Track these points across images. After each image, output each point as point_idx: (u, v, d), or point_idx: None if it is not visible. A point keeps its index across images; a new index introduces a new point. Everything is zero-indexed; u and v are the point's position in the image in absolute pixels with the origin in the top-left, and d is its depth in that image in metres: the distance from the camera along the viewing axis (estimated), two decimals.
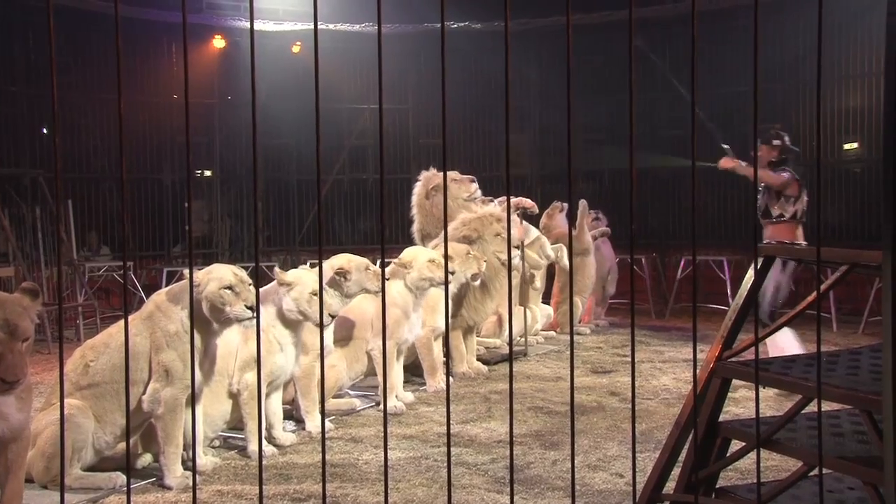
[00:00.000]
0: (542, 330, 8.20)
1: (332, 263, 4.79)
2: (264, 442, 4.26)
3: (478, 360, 6.82)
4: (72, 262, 8.87)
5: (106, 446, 3.92)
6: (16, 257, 8.58)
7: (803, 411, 1.90)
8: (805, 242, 5.71)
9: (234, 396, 4.33)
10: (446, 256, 1.92)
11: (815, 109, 10.27)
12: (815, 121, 10.13)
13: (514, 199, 7.24)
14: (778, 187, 5.72)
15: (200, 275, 3.89)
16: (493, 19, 10.65)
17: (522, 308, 7.48)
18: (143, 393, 3.81)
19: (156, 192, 11.49)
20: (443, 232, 6.23)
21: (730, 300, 9.09)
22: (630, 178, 1.63)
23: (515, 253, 7.02)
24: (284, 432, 4.57)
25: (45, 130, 11.19)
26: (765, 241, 5.66)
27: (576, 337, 8.19)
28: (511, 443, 2.04)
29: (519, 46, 10.89)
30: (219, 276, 3.86)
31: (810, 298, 1.91)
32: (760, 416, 1.84)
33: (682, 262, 9.86)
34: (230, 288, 3.82)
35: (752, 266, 2.12)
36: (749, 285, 2.13)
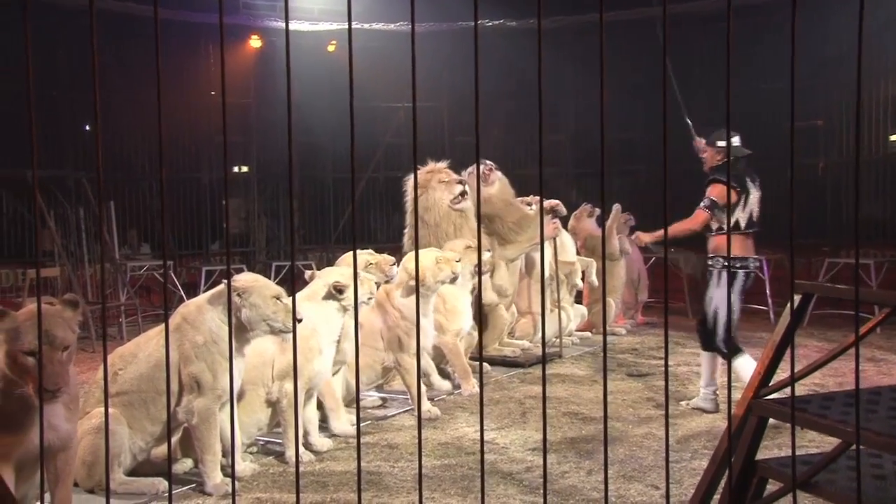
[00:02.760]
0: (577, 330, 8.18)
1: (327, 280, 4.60)
2: (301, 448, 4.34)
3: (512, 362, 6.84)
4: (114, 261, 9.06)
5: (140, 451, 3.98)
6: (61, 257, 8.79)
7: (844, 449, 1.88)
8: (754, 255, 5.18)
9: (271, 405, 4.40)
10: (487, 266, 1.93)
11: (856, 106, 10.04)
12: (855, 120, 9.91)
13: (548, 202, 7.21)
14: (700, 229, 5.19)
15: (245, 282, 3.91)
16: (528, 17, 10.60)
17: (556, 309, 7.47)
18: (177, 404, 3.87)
19: (194, 190, 11.68)
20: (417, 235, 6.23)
21: (769, 300, 8.99)
22: (664, 178, 1.62)
23: (548, 253, 7.02)
24: (321, 438, 4.63)
25: (87, 128, 11.42)
26: (708, 255, 5.27)
27: (611, 338, 8.15)
28: (545, 462, 2.05)
29: (554, 44, 10.84)
30: (265, 284, 3.92)
31: (849, 342, 1.89)
32: (802, 454, 1.82)
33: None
34: (278, 298, 3.87)
35: (789, 304, 2.09)
36: (786, 322, 2.10)
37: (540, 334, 7.57)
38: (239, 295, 3.84)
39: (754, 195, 5.21)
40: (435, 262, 5.49)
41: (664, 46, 1.74)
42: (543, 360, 1.84)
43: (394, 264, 5.27)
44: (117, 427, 3.86)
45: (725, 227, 5.08)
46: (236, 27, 11.11)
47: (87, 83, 9.83)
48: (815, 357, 4.69)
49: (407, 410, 5.48)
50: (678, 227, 5.21)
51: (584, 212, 8.65)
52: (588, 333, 8.30)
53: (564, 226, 8.07)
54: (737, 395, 3.28)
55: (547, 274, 7.39)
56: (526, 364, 6.83)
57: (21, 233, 10.31)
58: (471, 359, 6.67)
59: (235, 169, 12.46)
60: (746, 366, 4.90)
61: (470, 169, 7.11)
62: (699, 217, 5.18)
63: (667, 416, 1.71)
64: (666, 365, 1.75)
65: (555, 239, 7.29)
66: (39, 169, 9.41)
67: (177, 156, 11.43)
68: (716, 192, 5.16)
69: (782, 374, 2.35)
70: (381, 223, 12.50)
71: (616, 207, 8.58)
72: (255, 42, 11.54)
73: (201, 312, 3.91)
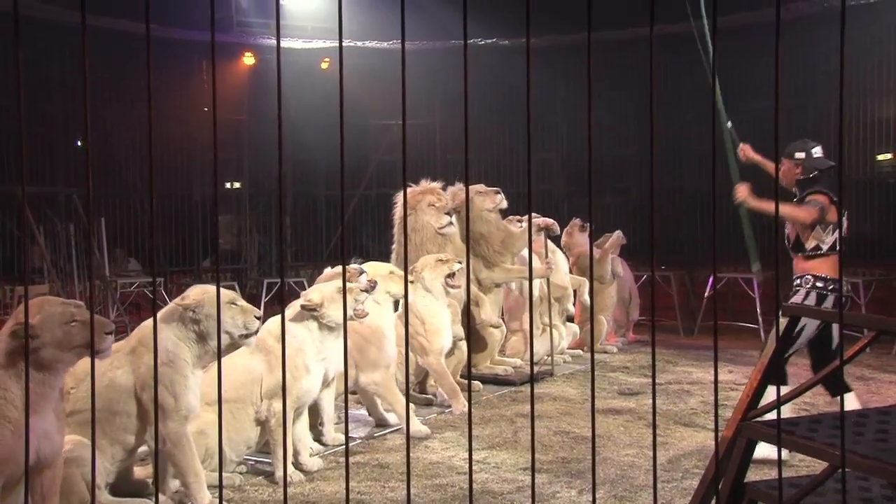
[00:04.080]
0: (569, 348, 8.17)
1: (306, 298, 4.55)
2: (291, 468, 4.31)
3: (503, 380, 6.83)
4: (104, 278, 9.03)
5: (107, 472, 3.83)
6: (50, 273, 8.76)
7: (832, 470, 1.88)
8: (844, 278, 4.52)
9: (260, 423, 4.37)
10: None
11: (840, 124, 10.11)
12: (838, 136, 9.99)
13: (536, 219, 7.22)
14: (810, 223, 4.56)
15: (195, 296, 3.81)
16: (520, 36, 10.67)
17: (547, 328, 7.46)
18: (142, 430, 3.78)
19: (185, 207, 11.66)
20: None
21: (759, 318, 9.01)
22: (650, 195, 1.62)
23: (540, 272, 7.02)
24: (311, 458, 4.60)
25: (79, 143, 11.39)
26: (795, 277, 4.67)
27: (602, 356, 8.14)
28: (533, 484, 2.04)
29: (545, 62, 10.89)
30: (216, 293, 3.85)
31: (834, 365, 1.89)
32: (791, 476, 1.82)
33: (711, 279, 9.76)
34: (233, 303, 3.82)
35: (775, 326, 2.09)
36: (773, 344, 2.11)
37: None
38: (193, 310, 3.76)
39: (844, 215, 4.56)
40: (436, 261, 5.83)
41: (651, 68, 1.75)
42: (532, 379, 1.83)
43: (362, 274, 5.11)
44: (85, 452, 3.57)
45: (825, 247, 4.53)
46: (230, 44, 11.14)
47: (80, 99, 9.83)
48: (804, 376, 4.69)
49: (395, 430, 5.45)
50: (790, 208, 4.58)
51: (574, 226, 8.63)
52: (580, 351, 8.29)
53: (556, 241, 8.09)
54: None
55: (537, 294, 7.41)
56: (517, 382, 6.82)
57: (9, 249, 10.26)
58: (462, 377, 6.66)
59: (227, 185, 12.46)
60: (852, 405, 4.25)
61: (458, 185, 7.14)
62: (811, 211, 4.51)
63: (654, 435, 1.71)
64: (654, 383, 1.74)
65: (546, 256, 7.29)
66: (29, 185, 9.39)
67: (168, 172, 11.41)
68: (823, 199, 4.54)
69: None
70: (372, 240, 12.50)
71: (617, 234, 8.58)
72: (248, 59, 11.58)
73: (158, 332, 3.79)
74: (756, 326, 8.94)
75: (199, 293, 3.83)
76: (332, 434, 5.05)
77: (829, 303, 4.49)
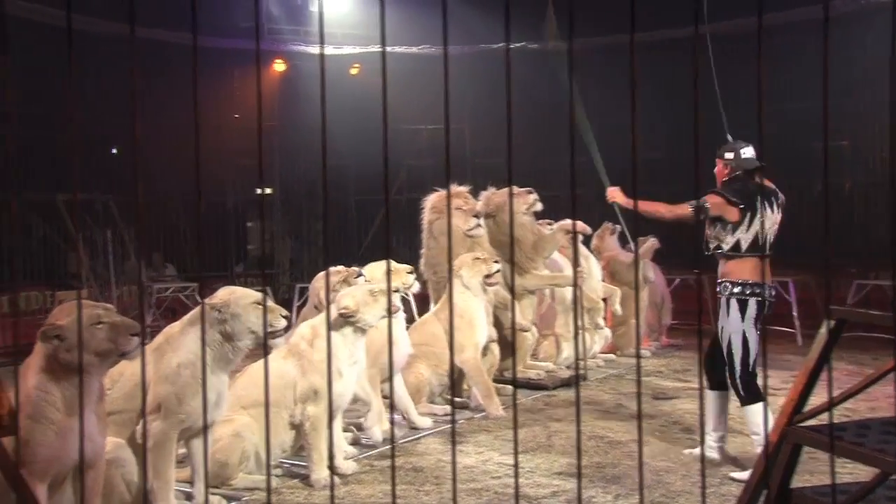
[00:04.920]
0: (601, 353, 8.12)
1: (339, 305, 4.52)
2: (327, 471, 4.33)
3: (536, 385, 6.79)
4: (140, 283, 9.16)
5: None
6: (88, 279, 8.92)
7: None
8: (769, 282, 4.52)
9: (294, 427, 4.40)
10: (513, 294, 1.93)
11: (892, 118, 9.94)
12: (890, 133, 9.80)
13: (568, 223, 7.16)
14: (686, 220, 4.58)
15: (222, 297, 3.84)
16: (546, 39, 10.64)
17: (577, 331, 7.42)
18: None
19: (219, 212, 11.80)
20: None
21: (795, 321, 8.87)
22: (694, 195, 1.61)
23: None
24: (345, 461, 4.62)
25: (115, 151, 11.58)
26: (717, 283, 4.60)
27: (636, 360, 8.07)
28: (579, 489, 2.03)
29: (577, 65, 10.84)
30: (243, 294, 3.87)
31: (887, 367, 1.86)
32: (837, 482, 1.79)
33: None
34: (259, 303, 3.81)
35: (823, 329, 2.06)
36: (820, 347, 2.07)
37: (563, 356, 7.52)
38: (219, 310, 3.78)
39: (770, 218, 4.57)
40: (473, 259, 5.84)
41: (694, 70, 1.74)
42: (577, 382, 1.82)
43: (411, 272, 5.42)
44: (122, 453, 3.66)
45: (724, 247, 4.48)
46: (261, 51, 11.27)
47: (116, 107, 10.00)
48: (845, 381, 4.61)
49: (429, 433, 5.43)
50: (654, 205, 4.65)
51: (605, 230, 8.59)
52: (612, 356, 8.22)
53: (587, 243, 8.04)
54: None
55: (570, 299, 7.38)
56: (550, 386, 6.78)
57: (50, 255, 10.45)
58: (497, 381, 6.66)
59: (258, 191, 12.58)
60: (759, 416, 4.21)
61: (490, 190, 7.13)
62: (679, 209, 4.58)
63: (702, 440, 1.69)
64: (700, 387, 1.73)
65: (579, 262, 7.24)
66: (67, 193, 9.57)
67: (201, 178, 11.54)
68: (712, 199, 4.51)
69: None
70: (402, 244, 12.53)
71: (651, 241, 8.51)
72: (279, 66, 11.71)
73: (183, 334, 3.84)
74: (792, 331, 8.80)
75: (227, 293, 3.88)
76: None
77: (752, 307, 4.41)
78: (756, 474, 2.18)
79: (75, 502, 3.25)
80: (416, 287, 5.68)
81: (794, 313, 8.84)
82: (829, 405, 1.73)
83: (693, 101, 1.70)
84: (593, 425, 5.59)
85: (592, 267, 7.85)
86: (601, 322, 7.96)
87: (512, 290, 5.74)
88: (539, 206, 7.03)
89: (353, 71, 11.78)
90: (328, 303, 3.69)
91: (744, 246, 4.45)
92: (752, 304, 4.40)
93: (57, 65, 9.65)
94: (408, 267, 5.56)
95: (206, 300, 3.92)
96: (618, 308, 8.02)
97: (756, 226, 4.42)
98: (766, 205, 4.54)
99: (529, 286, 6.93)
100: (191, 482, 4.05)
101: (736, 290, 4.44)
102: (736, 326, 4.43)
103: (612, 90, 11.06)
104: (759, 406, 4.34)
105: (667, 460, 4.72)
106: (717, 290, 4.61)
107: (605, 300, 8.01)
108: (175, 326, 3.96)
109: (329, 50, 11.40)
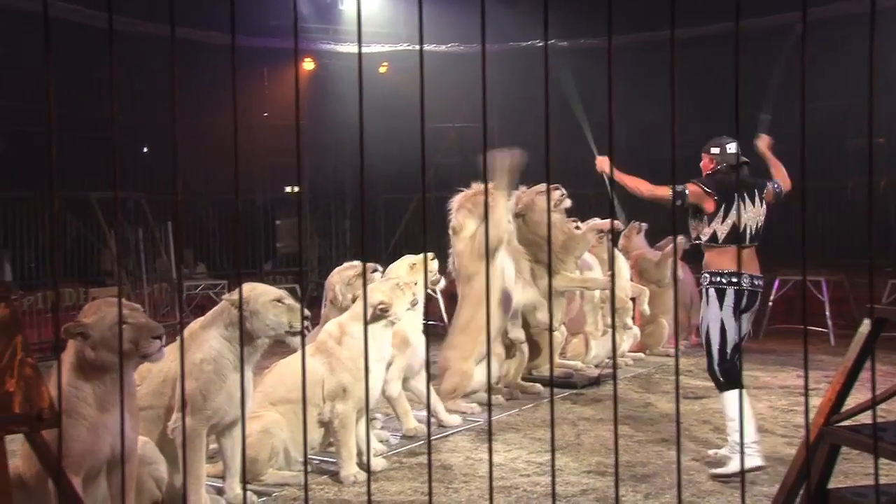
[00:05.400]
0: (630, 351, 8.07)
1: (371, 301, 4.45)
2: (356, 468, 4.36)
3: (564, 383, 6.75)
4: (171, 280, 9.28)
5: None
6: (123, 276, 9.05)
7: None
8: (753, 273, 4.55)
9: (323, 424, 4.43)
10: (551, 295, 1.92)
11: None
12: None
13: (598, 222, 7.11)
14: (647, 195, 4.66)
15: (244, 291, 3.81)
16: (576, 37, 10.59)
17: (609, 331, 7.38)
18: (168, 419, 3.78)
19: (248, 211, 11.90)
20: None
21: (828, 321, 8.74)
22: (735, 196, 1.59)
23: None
24: (375, 458, 4.63)
25: (145, 150, 11.73)
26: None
27: (664, 359, 8.03)
28: (616, 487, 2.02)
29: (601, 62, 10.78)
30: (264, 290, 3.87)
31: None
32: (875, 483, 1.75)
33: (776, 283, 9.49)
34: (279, 301, 3.82)
35: (862, 328, 2.03)
36: (858, 347, 2.04)
37: (591, 354, 7.49)
38: (239, 307, 3.72)
39: (750, 210, 4.61)
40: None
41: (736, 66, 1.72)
42: (614, 380, 1.81)
43: (434, 258, 5.44)
44: (149, 451, 3.68)
45: (703, 237, 4.57)
46: (290, 50, 11.34)
47: (146, 106, 10.14)
48: (881, 382, 4.52)
49: (457, 431, 5.45)
50: (636, 181, 4.69)
51: (633, 230, 8.56)
52: (641, 354, 8.18)
53: (615, 241, 7.99)
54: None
55: (598, 296, 7.33)
56: (579, 385, 6.75)
57: (83, 252, 10.62)
58: (526, 379, 6.63)
59: (287, 189, 12.68)
60: (735, 404, 4.26)
61: (522, 188, 7.09)
62: (659, 190, 4.65)
63: (741, 441, 1.67)
64: (741, 386, 1.70)
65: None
66: (99, 191, 9.71)
67: (230, 176, 11.66)
68: (691, 188, 4.59)
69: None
70: (431, 243, 12.55)
71: (680, 239, 8.45)
72: (307, 64, 11.78)
73: (204, 330, 3.85)
74: (825, 330, 8.67)
75: (247, 290, 3.88)
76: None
77: (729, 296, 4.45)
78: (792, 475, 2.15)
79: (110, 496, 3.30)
80: (443, 283, 5.65)
81: (827, 313, 8.72)
82: (873, 403, 1.70)
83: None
84: (621, 423, 5.56)
85: (621, 266, 7.81)
86: (629, 321, 7.91)
87: (549, 288, 5.65)
88: (567, 203, 6.95)
89: (382, 69, 11.81)
90: (364, 299, 3.69)
91: (720, 237, 4.54)
92: (730, 293, 4.47)
93: (89, 63, 9.79)
94: (430, 255, 5.45)
95: (225, 296, 3.95)
96: (646, 308, 7.97)
97: (732, 217, 4.50)
98: (747, 197, 4.64)
99: (560, 287, 6.84)
100: (222, 477, 4.10)
101: (714, 279, 4.51)
102: (714, 315, 4.49)
103: (639, 89, 11.01)
104: (735, 392, 4.36)
105: (697, 459, 4.67)
106: (699, 280, 4.72)
107: (633, 300, 7.97)
108: (197, 323, 3.99)
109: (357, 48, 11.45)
